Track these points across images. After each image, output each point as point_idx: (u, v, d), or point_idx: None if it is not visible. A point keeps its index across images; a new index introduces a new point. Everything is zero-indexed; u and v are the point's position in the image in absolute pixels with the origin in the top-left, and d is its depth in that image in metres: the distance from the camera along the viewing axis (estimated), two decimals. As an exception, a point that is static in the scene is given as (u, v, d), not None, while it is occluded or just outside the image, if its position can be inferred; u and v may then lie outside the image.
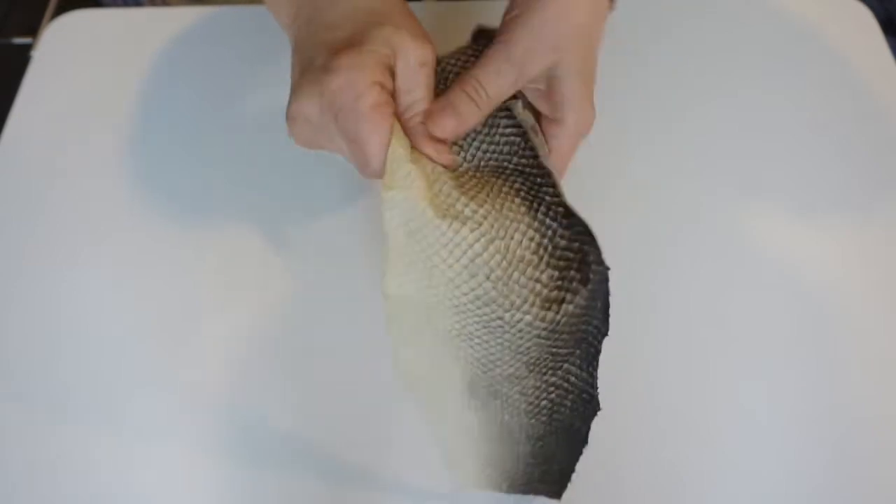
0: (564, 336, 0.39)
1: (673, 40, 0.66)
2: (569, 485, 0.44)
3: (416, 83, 0.39)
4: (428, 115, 0.40)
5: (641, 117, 0.61)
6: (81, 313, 0.53)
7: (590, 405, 0.40)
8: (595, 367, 0.39)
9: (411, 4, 0.67)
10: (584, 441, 0.42)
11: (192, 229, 0.56)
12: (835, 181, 0.58)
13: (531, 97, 0.42)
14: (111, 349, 0.51)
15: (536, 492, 0.45)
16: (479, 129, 0.42)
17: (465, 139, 0.42)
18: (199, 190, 0.58)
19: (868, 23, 0.67)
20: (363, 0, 0.40)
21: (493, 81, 0.40)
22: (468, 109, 0.40)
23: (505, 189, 0.40)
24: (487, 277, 0.38)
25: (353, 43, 0.38)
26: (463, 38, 0.69)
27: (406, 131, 0.40)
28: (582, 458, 0.47)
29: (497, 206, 0.39)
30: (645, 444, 0.48)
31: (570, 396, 0.41)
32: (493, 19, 0.68)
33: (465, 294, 0.38)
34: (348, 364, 0.50)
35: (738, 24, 0.67)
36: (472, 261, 0.38)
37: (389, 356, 0.50)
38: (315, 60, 0.39)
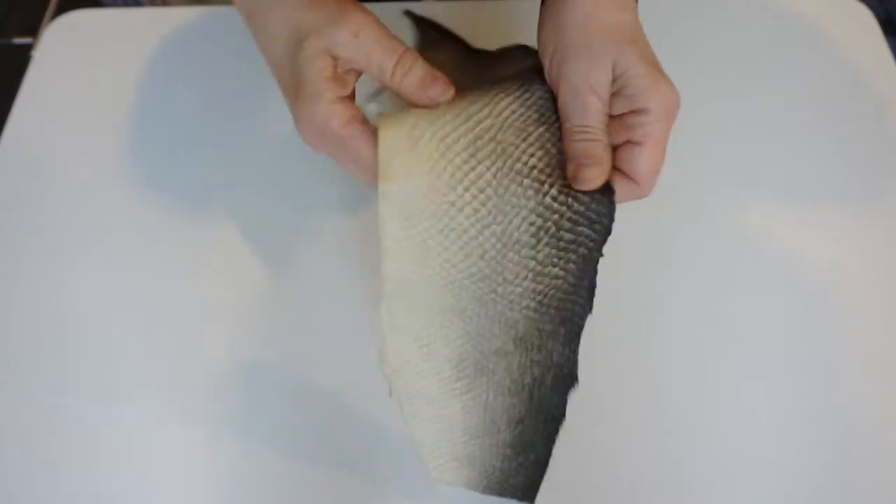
0: (551, 311, 0.40)
1: (673, 40, 0.66)
2: (553, 489, 0.44)
3: (363, 52, 0.39)
4: (571, 180, 0.40)
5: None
6: (81, 313, 0.53)
7: (567, 379, 0.41)
8: (576, 346, 0.41)
9: (410, 5, 0.67)
10: (562, 417, 0.43)
11: (193, 229, 0.56)
12: (835, 181, 0.58)
13: (613, 108, 0.42)
14: (111, 349, 0.51)
15: (512, 492, 0.45)
16: (512, 89, 0.42)
17: (494, 95, 0.42)
18: (199, 190, 0.58)
19: (868, 23, 0.67)
20: (289, 18, 0.40)
21: (589, 115, 0.40)
22: (596, 150, 0.40)
23: (518, 166, 0.40)
24: (481, 257, 0.39)
25: (296, 85, 0.39)
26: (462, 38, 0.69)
27: (400, 96, 0.40)
28: (583, 456, 0.47)
29: (500, 191, 0.40)
30: (645, 443, 0.48)
31: (551, 373, 0.42)
32: (491, 20, 0.68)
33: (461, 272, 0.40)
34: (349, 364, 0.50)
35: (739, 24, 0.67)
36: (466, 244, 0.39)
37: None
38: (287, 97, 0.41)
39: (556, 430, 0.44)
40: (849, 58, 0.65)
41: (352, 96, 0.41)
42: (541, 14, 0.43)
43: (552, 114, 0.42)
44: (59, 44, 0.66)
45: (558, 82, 0.41)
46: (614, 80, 0.40)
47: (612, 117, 0.41)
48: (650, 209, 0.56)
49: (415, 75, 0.40)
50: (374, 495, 0.47)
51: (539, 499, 0.45)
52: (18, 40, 1.46)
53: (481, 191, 0.39)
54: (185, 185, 0.58)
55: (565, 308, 0.40)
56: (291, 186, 0.58)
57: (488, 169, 0.40)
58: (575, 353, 0.41)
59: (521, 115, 0.42)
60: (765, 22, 0.67)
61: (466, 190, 0.39)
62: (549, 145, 0.41)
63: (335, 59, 0.39)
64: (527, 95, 0.42)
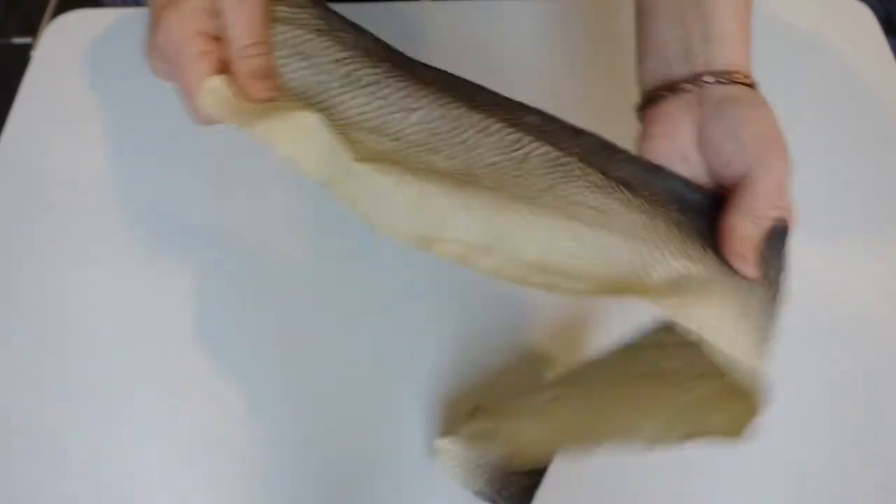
0: None
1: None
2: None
3: (234, 18, 0.39)
4: (734, 255, 0.38)
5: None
6: (81, 313, 0.53)
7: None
8: None
9: (410, 5, 0.67)
10: None
11: (192, 229, 0.56)
12: (835, 181, 0.58)
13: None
14: (111, 349, 0.51)
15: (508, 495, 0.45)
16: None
17: None
18: (199, 189, 0.58)
19: (868, 23, 0.67)
20: None
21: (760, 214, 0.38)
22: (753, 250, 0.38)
23: None
24: None
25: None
26: (461, 38, 0.69)
27: (233, 71, 0.39)
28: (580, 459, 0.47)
29: None
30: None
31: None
32: (491, 20, 0.68)
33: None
34: (349, 369, 0.51)
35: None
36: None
37: (390, 360, 0.51)
38: (150, 10, 0.40)
39: None
40: (849, 58, 0.65)
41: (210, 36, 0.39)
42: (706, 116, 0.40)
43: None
44: (58, 44, 0.66)
45: (742, 181, 0.39)
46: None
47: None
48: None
49: (255, 63, 0.39)
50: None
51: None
52: (18, 40, 1.46)
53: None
54: (185, 184, 0.58)
55: None
56: (292, 185, 0.58)
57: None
58: None
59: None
60: (764, 22, 0.67)
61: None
62: None
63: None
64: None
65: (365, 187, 0.36)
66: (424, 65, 0.41)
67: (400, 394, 0.49)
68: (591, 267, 0.36)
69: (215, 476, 0.47)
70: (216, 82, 0.38)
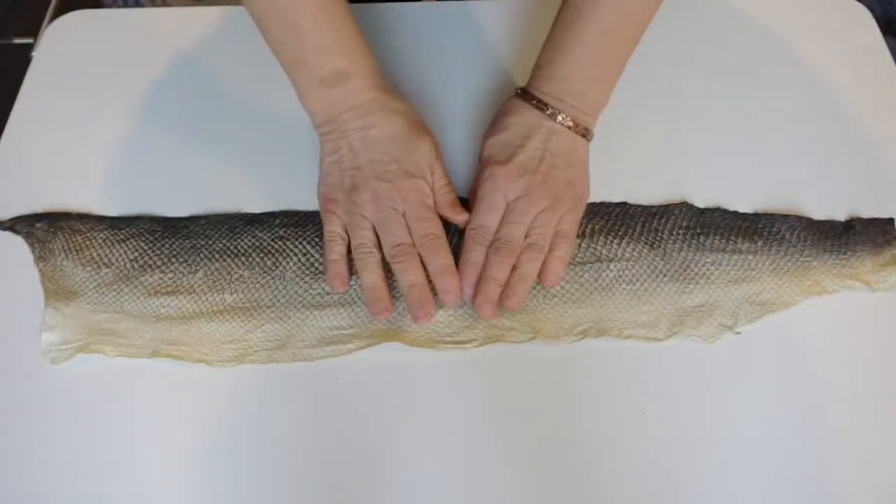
0: None
1: (671, 41, 0.66)
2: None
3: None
4: None
5: (638, 118, 0.61)
6: (81, 313, 0.53)
7: None
8: None
9: (411, 5, 0.67)
10: None
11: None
12: (835, 181, 0.58)
13: None
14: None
15: None
16: None
17: None
18: (199, 190, 0.58)
19: (867, 23, 0.67)
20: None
21: None
22: None
23: None
24: None
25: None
26: (461, 39, 0.69)
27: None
28: (576, 458, 0.47)
29: None
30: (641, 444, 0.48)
31: None
32: (492, 20, 0.68)
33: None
34: (352, 388, 0.51)
35: (737, 24, 0.67)
36: None
37: (392, 375, 0.51)
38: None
39: None
40: (848, 58, 0.65)
41: None
42: None
43: None
44: (59, 44, 0.67)
45: None
46: None
47: None
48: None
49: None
50: None
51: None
52: (19, 40, 1.46)
53: None
54: (184, 185, 0.58)
55: None
56: (293, 184, 0.58)
57: None
58: None
59: None
60: (764, 22, 0.67)
61: None
62: None
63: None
64: None
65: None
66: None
67: None
68: None
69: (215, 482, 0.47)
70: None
